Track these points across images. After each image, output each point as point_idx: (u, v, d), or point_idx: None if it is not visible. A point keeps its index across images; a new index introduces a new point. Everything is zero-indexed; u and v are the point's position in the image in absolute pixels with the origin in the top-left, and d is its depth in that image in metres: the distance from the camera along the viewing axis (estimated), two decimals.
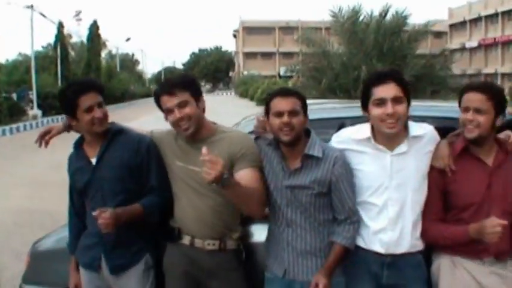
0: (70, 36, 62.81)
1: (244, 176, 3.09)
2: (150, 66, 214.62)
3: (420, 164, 3.15)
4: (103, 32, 57.48)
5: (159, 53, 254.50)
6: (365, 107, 3.16)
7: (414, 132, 3.12)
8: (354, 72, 15.40)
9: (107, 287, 3.49)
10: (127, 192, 3.38)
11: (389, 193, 3.12)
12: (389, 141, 3.11)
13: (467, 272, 3.10)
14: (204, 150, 2.78)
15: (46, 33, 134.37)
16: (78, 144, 3.52)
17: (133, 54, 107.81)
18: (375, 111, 3.05)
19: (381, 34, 15.83)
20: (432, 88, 15.04)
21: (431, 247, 3.26)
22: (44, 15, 40.27)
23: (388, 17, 16.46)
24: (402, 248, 3.13)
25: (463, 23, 75.69)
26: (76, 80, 3.95)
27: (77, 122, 3.34)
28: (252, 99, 48.83)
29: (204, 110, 3.31)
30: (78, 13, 64.19)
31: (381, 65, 14.79)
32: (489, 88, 3.06)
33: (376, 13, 16.70)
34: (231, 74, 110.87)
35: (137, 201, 3.34)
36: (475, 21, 73.01)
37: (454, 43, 78.04)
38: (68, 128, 3.55)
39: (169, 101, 3.16)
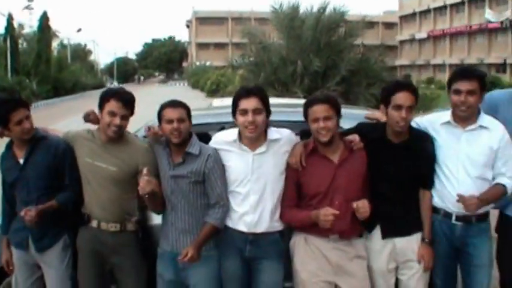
0: (22, 27, 61.92)
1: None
2: (102, 57, 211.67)
3: (278, 161, 3.85)
4: (55, 23, 56.59)
5: (111, 43, 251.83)
6: (234, 115, 3.81)
7: (272, 136, 3.83)
8: (291, 66, 15.82)
9: (34, 262, 4.18)
10: (47, 187, 4.07)
11: (251, 184, 3.81)
12: (251, 143, 3.81)
13: (316, 247, 3.81)
14: (145, 171, 3.62)
15: None
16: (9, 146, 4.19)
17: (85, 45, 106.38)
18: (240, 119, 3.74)
19: (318, 30, 16.13)
20: (367, 81, 15.52)
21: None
22: None
23: (327, 12, 16.81)
24: (261, 228, 3.83)
25: (413, 15, 77.27)
26: (5, 98, 4.33)
27: (9, 131, 3.99)
28: (202, 90, 49.01)
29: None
30: (29, 4, 63.11)
31: (317, 60, 15.36)
32: (330, 98, 3.78)
33: (315, 9, 17.18)
34: (184, 64, 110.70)
35: (56, 193, 4.05)
36: (425, 13, 74.61)
37: (404, 34, 79.59)
38: (1, 134, 4.11)
39: (116, 107, 3.90)
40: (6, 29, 45.27)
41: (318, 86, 15.13)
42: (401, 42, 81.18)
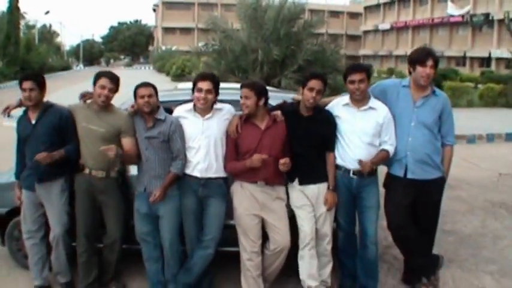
0: None
1: (127, 142, 5.14)
2: (68, 39, 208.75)
3: (221, 125, 5.14)
4: (22, 5, 55.52)
5: (77, 25, 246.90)
6: (193, 91, 5.08)
7: (216, 107, 5.14)
8: (252, 54, 16.17)
9: (39, 201, 5.36)
10: (52, 142, 5.21)
11: (200, 141, 5.09)
12: (202, 112, 5.09)
13: (248, 190, 5.10)
14: (103, 148, 4.83)
15: None
16: (25, 112, 5.41)
17: (50, 26, 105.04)
18: (196, 94, 5.02)
19: (279, 21, 16.36)
20: (323, 70, 16.00)
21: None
22: None
23: (287, 5, 17.31)
24: (210, 174, 5.11)
25: (377, 6, 77.96)
26: (26, 73, 5.72)
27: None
28: (168, 74, 49.25)
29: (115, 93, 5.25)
30: None
31: (277, 49, 15.70)
32: (253, 85, 5.06)
33: (277, 1, 17.75)
34: (150, 48, 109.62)
35: (58, 147, 5.19)
36: (389, 4, 75.41)
37: (368, 25, 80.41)
38: (20, 103, 5.35)
39: (105, 82, 5.12)
40: None
41: (276, 74, 15.65)
42: (365, 32, 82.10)
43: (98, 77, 5.17)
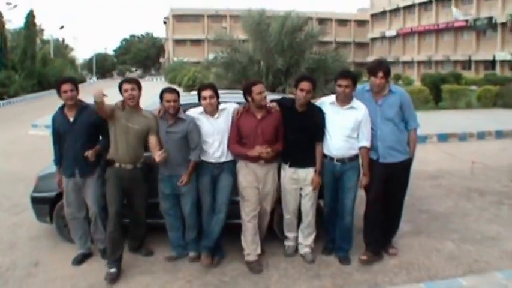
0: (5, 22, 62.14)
1: (154, 139, 6.19)
2: (81, 52, 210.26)
3: (226, 121, 6.34)
4: (38, 19, 56.24)
5: (90, 39, 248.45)
6: (199, 100, 6.34)
7: (221, 107, 6.37)
8: (258, 65, 17.25)
9: (78, 186, 6.41)
10: (89, 137, 6.29)
11: (213, 136, 6.31)
12: (210, 113, 6.33)
13: (250, 168, 6.30)
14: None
15: None
16: (61, 109, 6.36)
17: (63, 40, 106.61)
18: (202, 101, 6.28)
19: (283, 33, 17.27)
20: (325, 77, 16.67)
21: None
22: None
23: (291, 17, 17.78)
24: (223, 159, 6.36)
25: (383, 13, 78.54)
26: (63, 77, 7.00)
27: (61, 98, 6.33)
28: (179, 85, 50.10)
29: (140, 95, 6.26)
30: (10, 3, 63.16)
31: (281, 59, 16.71)
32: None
33: (281, 13, 18.46)
34: (161, 60, 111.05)
35: (92, 142, 6.29)
36: (395, 11, 75.96)
37: (375, 32, 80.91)
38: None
39: (127, 87, 6.13)
40: None
41: (281, 82, 16.68)
42: (373, 39, 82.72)
43: (122, 84, 6.20)
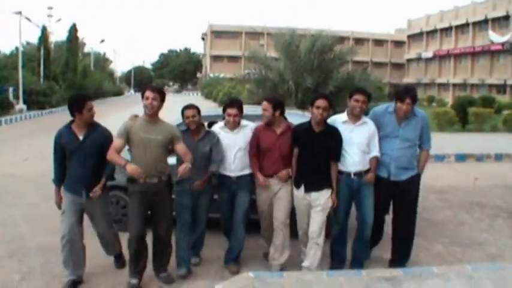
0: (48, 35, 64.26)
1: (181, 147, 6.11)
2: (119, 65, 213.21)
3: (246, 137, 6.67)
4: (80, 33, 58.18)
5: (128, 52, 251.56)
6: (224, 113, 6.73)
7: (242, 124, 6.74)
8: (288, 83, 18.20)
9: (80, 205, 6.14)
10: (98, 157, 6.00)
11: (234, 149, 6.64)
12: (232, 128, 6.68)
13: (268, 182, 6.55)
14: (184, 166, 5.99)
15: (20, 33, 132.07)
16: (68, 126, 6.06)
17: (104, 53, 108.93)
18: (226, 117, 6.65)
19: (313, 52, 18.28)
20: None
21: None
22: (29, 20, 41.98)
23: (321, 37, 18.91)
24: (239, 173, 6.69)
25: (420, 34, 78.40)
26: (82, 93, 6.60)
27: (81, 115, 6.01)
28: (215, 100, 50.98)
29: (160, 107, 6.06)
30: (52, 16, 65.42)
31: (310, 78, 17.61)
32: (271, 99, 6.51)
33: (313, 32, 19.38)
34: (198, 75, 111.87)
35: (100, 160, 5.98)
36: (432, 33, 75.85)
37: (412, 53, 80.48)
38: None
39: (148, 93, 5.93)
40: (40, 39, 47.94)
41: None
42: (409, 60, 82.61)
43: (143, 91, 6.02)
